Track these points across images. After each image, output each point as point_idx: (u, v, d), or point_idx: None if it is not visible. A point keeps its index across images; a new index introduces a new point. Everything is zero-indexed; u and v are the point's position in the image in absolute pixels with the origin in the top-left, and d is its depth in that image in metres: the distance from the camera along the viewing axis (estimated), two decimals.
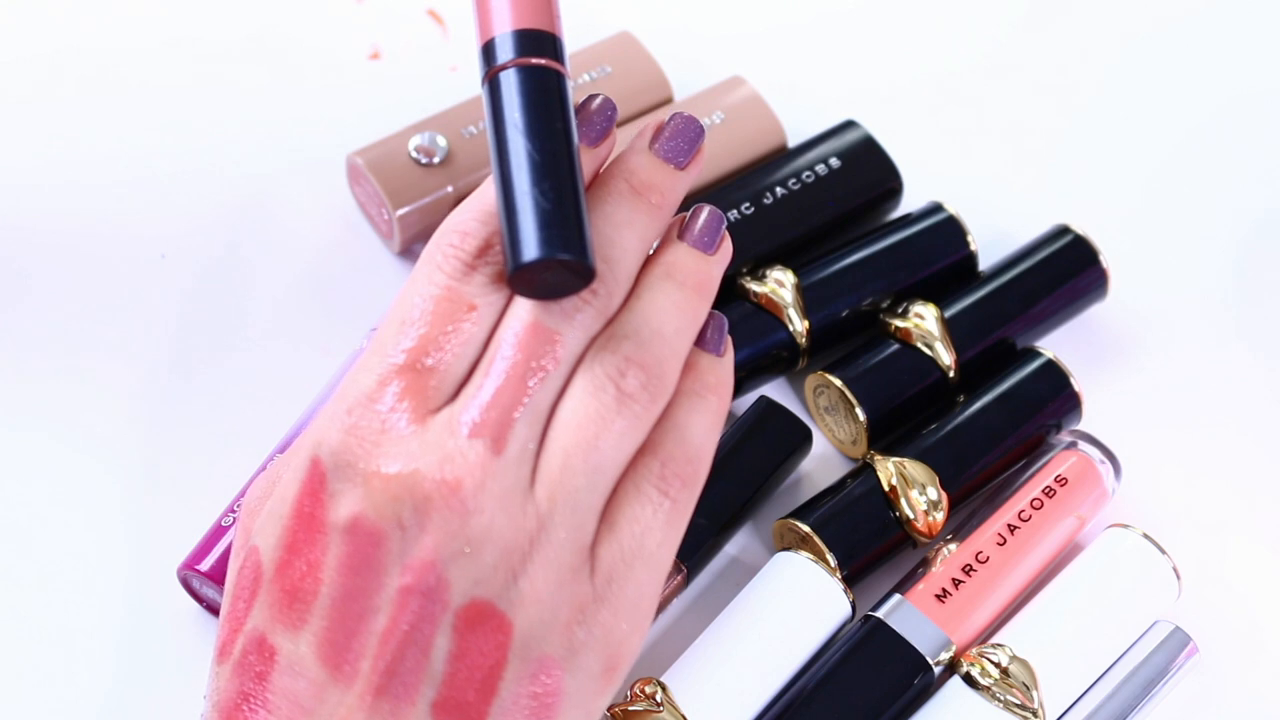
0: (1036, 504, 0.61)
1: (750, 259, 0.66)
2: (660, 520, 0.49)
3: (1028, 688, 0.58)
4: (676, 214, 0.53)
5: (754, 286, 0.65)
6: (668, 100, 0.71)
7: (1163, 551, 0.61)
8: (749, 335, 0.64)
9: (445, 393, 0.49)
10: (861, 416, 0.63)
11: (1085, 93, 0.75)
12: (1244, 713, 0.61)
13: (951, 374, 0.65)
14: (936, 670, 0.59)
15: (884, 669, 0.59)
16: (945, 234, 0.67)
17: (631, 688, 0.58)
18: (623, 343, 0.49)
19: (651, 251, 0.52)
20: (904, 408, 0.64)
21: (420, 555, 0.47)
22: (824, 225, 0.68)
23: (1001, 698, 0.58)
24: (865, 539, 0.62)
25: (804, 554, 0.60)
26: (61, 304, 0.66)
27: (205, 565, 0.59)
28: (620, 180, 0.51)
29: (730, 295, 0.65)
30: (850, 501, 0.62)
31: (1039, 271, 0.66)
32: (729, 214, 0.66)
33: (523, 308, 0.49)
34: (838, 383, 0.64)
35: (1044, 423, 0.64)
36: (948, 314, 0.65)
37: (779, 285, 0.65)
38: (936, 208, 0.67)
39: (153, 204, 0.69)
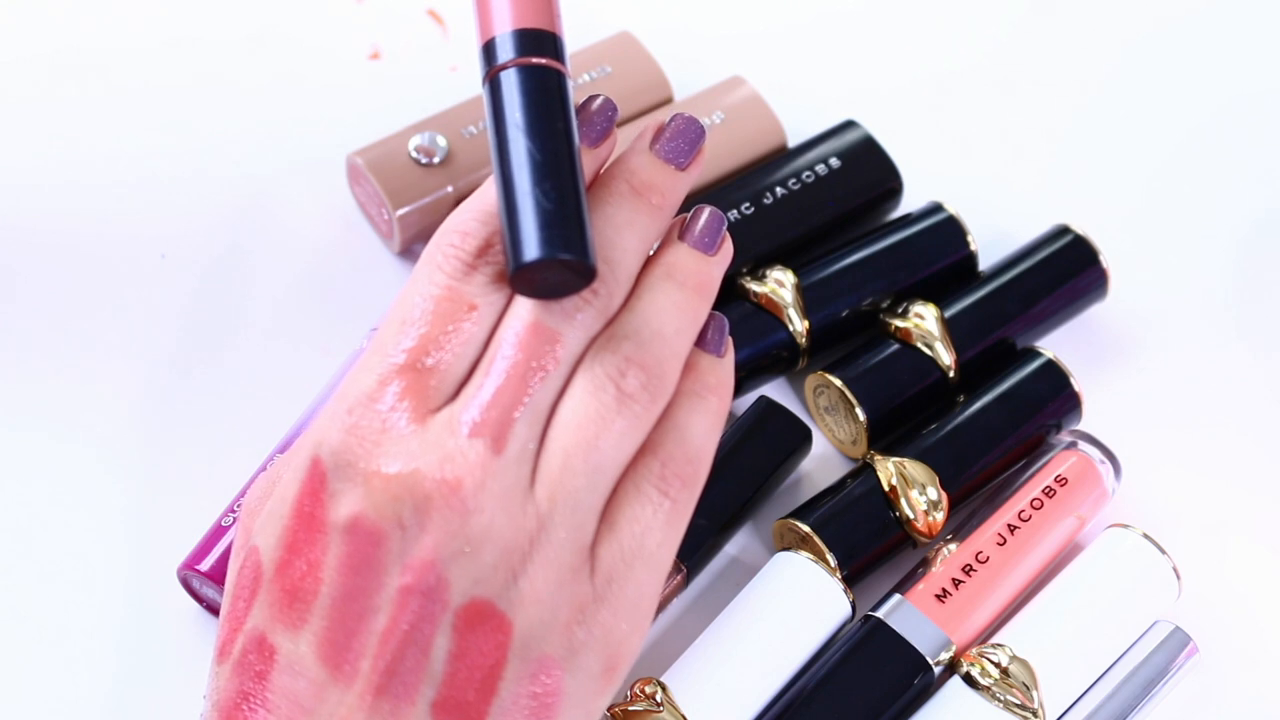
0: (1036, 504, 0.61)
1: (750, 259, 0.66)
2: (660, 520, 0.49)
3: (1028, 688, 0.58)
4: (677, 215, 0.53)
5: (754, 286, 0.65)
6: (668, 100, 0.71)
7: (1163, 551, 0.61)
8: (749, 335, 0.64)
9: (445, 392, 0.49)
10: (861, 416, 0.63)
11: (1085, 93, 0.75)
12: (1244, 713, 0.61)
13: (951, 374, 0.65)
14: (936, 670, 0.59)
15: (884, 669, 0.59)
16: (945, 234, 0.67)
17: (631, 688, 0.58)
18: (623, 343, 0.49)
19: (652, 252, 0.52)
20: (904, 408, 0.64)
21: (420, 555, 0.47)
22: (824, 225, 0.68)
23: (1001, 698, 0.58)
24: (865, 539, 0.62)
25: (804, 554, 0.60)
26: (62, 304, 0.66)
27: (205, 565, 0.59)
28: (621, 181, 0.51)
29: (730, 295, 0.65)
30: (850, 501, 0.62)
31: (1039, 271, 0.66)
32: (729, 214, 0.66)
33: (523, 307, 0.49)
34: (838, 383, 0.64)
35: (1044, 423, 0.64)
36: (948, 314, 0.65)
37: (779, 285, 0.65)
38: (936, 208, 0.67)
39: (153, 204, 0.69)
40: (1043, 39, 0.76)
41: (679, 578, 0.61)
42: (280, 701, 0.48)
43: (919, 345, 0.65)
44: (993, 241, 0.69)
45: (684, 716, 0.57)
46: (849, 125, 0.69)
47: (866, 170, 0.69)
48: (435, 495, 0.47)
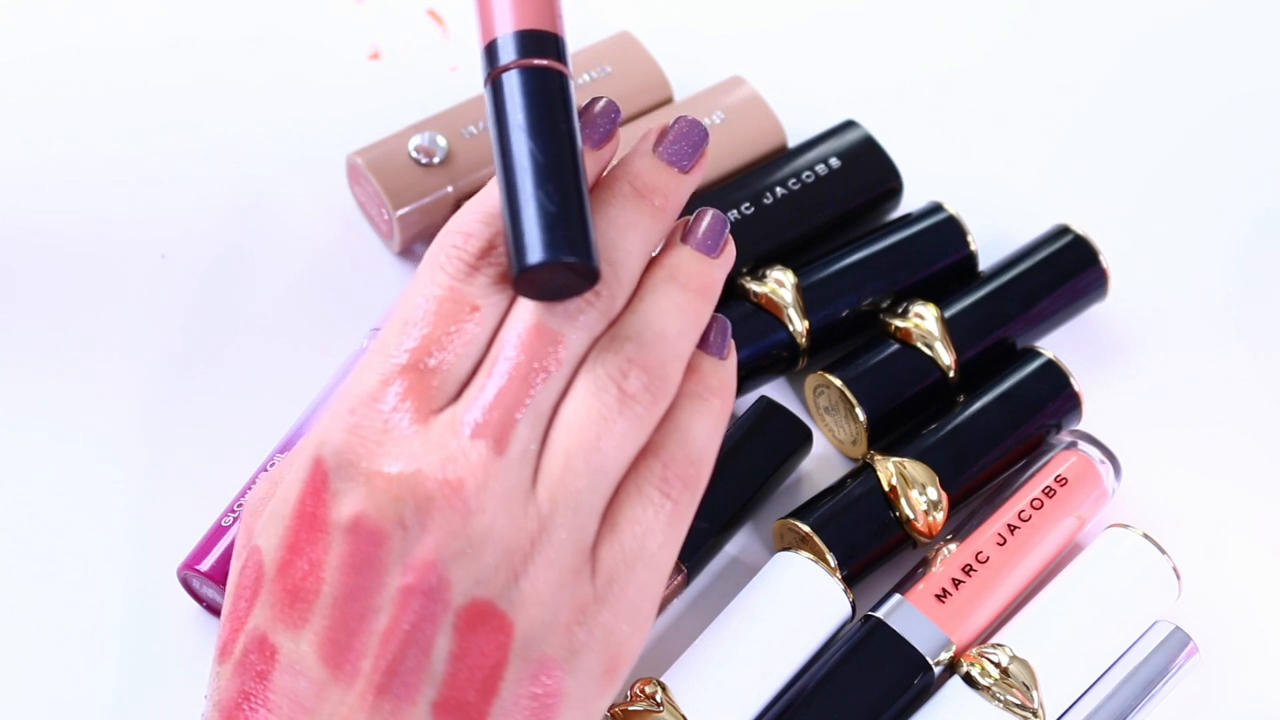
0: (1036, 504, 0.62)
1: (750, 259, 0.66)
2: (662, 522, 0.49)
3: (1028, 688, 0.58)
4: (680, 217, 0.53)
5: (754, 286, 0.65)
6: (668, 100, 0.71)
7: (1163, 551, 0.61)
8: (749, 335, 0.64)
9: (448, 393, 0.49)
10: (861, 416, 0.63)
11: (1085, 93, 0.75)
12: (1244, 713, 0.61)
13: (951, 374, 0.65)
14: (936, 670, 0.59)
15: (884, 669, 0.59)
16: (945, 234, 0.67)
17: (631, 688, 0.58)
18: (625, 344, 0.49)
19: (655, 254, 0.52)
20: (904, 408, 0.64)
21: (422, 555, 0.47)
22: (824, 225, 0.68)
23: (1001, 698, 0.58)
24: (865, 539, 0.62)
25: (804, 554, 0.60)
26: (61, 304, 0.66)
27: (205, 565, 0.59)
28: (624, 183, 0.51)
29: (730, 295, 0.65)
30: (850, 501, 0.62)
31: (1039, 271, 0.66)
32: (729, 214, 0.66)
33: (525, 309, 0.49)
34: (838, 383, 0.64)
35: (1044, 423, 0.64)
36: (948, 314, 0.65)
37: (779, 285, 0.65)
38: (936, 208, 0.67)
39: (153, 204, 0.69)
40: (1043, 39, 0.76)
41: (679, 578, 0.61)
42: (281, 701, 0.48)
43: (919, 345, 0.65)
44: (993, 241, 0.69)
45: (684, 716, 0.57)
46: (849, 125, 0.69)
47: (866, 170, 0.69)
48: (437, 495, 0.47)
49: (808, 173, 0.68)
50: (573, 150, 0.49)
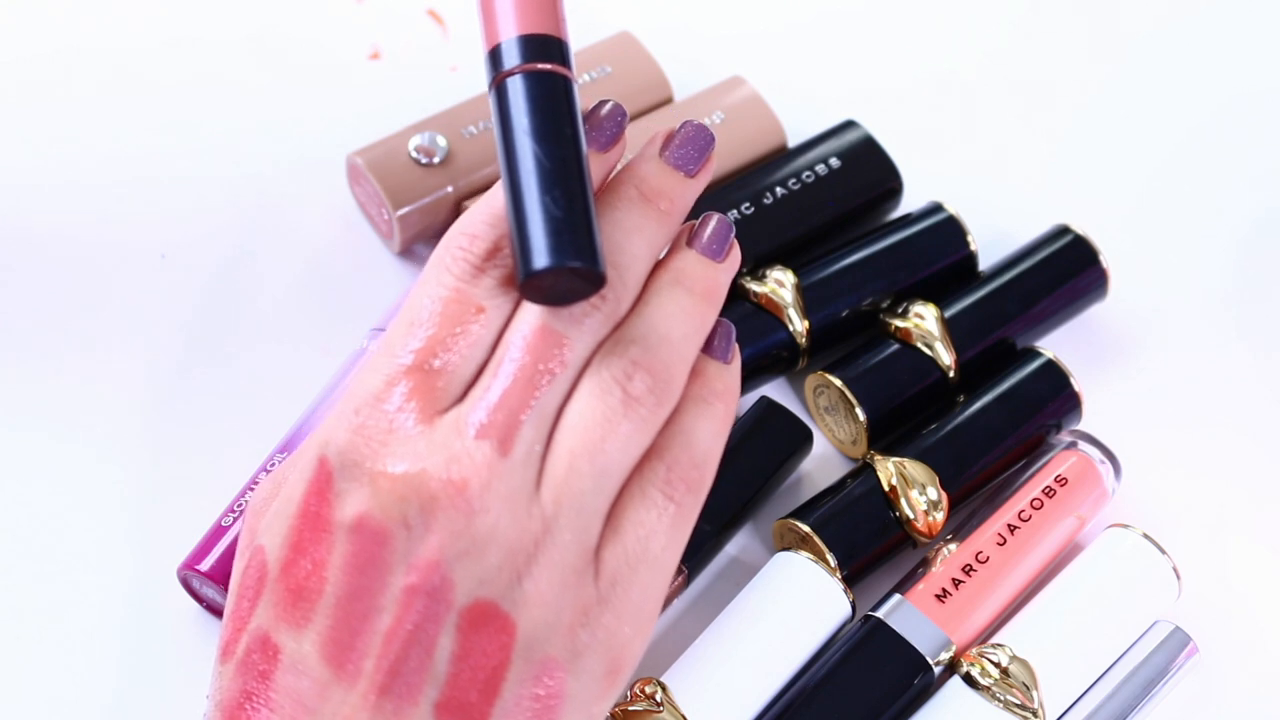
0: (1036, 504, 0.62)
1: (750, 259, 0.66)
2: (665, 524, 0.49)
3: (1028, 688, 0.58)
4: (685, 221, 0.53)
5: (754, 286, 0.65)
6: (668, 100, 0.71)
7: (1163, 551, 0.61)
8: (749, 335, 0.64)
9: (453, 394, 0.49)
10: (861, 416, 0.63)
11: (1085, 92, 0.75)
12: (1244, 713, 0.61)
13: (951, 374, 0.65)
14: (936, 670, 0.59)
15: (884, 669, 0.59)
16: (945, 234, 0.67)
17: (631, 688, 0.58)
18: (630, 347, 0.49)
19: (660, 258, 0.52)
20: (904, 408, 0.64)
21: (425, 555, 0.47)
22: (824, 225, 0.68)
23: (1001, 698, 0.58)
24: (865, 539, 0.62)
25: (804, 554, 0.60)
26: (61, 304, 0.66)
27: (205, 565, 0.59)
28: (630, 187, 0.51)
29: (730, 295, 0.65)
30: (850, 501, 0.62)
31: (1039, 271, 0.66)
32: (729, 214, 0.66)
33: (531, 311, 0.49)
34: (838, 383, 0.64)
35: (1044, 423, 0.64)
36: (948, 314, 0.65)
37: (779, 285, 0.65)
38: (936, 208, 0.67)
39: (152, 204, 0.69)
40: (1043, 39, 0.76)
41: (680, 579, 0.61)
42: (283, 701, 0.48)
43: (919, 345, 0.65)
44: (993, 241, 0.69)
45: (684, 716, 0.57)
46: (849, 125, 0.69)
47: (866, 170, 0.69)
48: (441, 496, 0.47)
49: (808, 173, 0.68)
50: (577, 155, 0.49)
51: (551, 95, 0.49)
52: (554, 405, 0.49)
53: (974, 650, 0.59)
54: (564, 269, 0.47)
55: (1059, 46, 0.76)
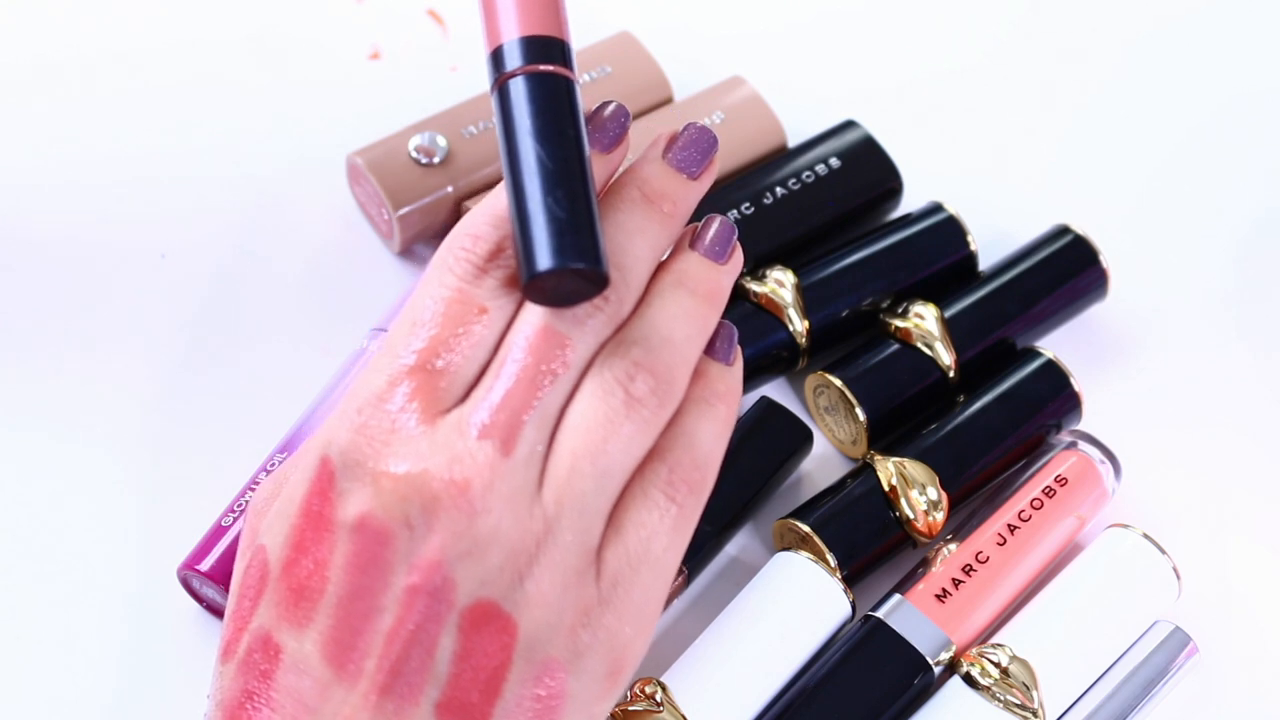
0: (1036, 504, 0.62)
1: (750, 259, 0.66)
2: (666, 526, 0.49)
3: (1028, 688, 0.58)
4: (689, 223, 0.53)
5: (754, 286, 0.65)
6: (668, 100, 0.71)
7: (1163, 551, 0.61)
8: (749, 335, 0.64)
9: (455, 394, 0.49)
10: (861, 416, 0.63)
11: (1085, 92, 0.75)
12: (1244, 713, 0.61)
13: (951, 374, 0.65)
14: (936, 670, 0.59)
15: (884, 669, 0.59)
16: (945, 234, 0.67)
17: (631, 688, 0.58)
18: (632, 348, 0.49)
19: (663, 260, 0.52)
20: (904, 408, 0.64)
21: (427, 555, 0.47)
22: (824, 225, 0.68)
23: (1001, 698, 0.58)
24: (865, 539, 0.62)
25: (804, 554, 0.60)
26: (61, 304, 0.66)
27: (205, 565, 0.59)
28: (633, 188, 0.51)
29: (730, 295, 0.65)
30: (850, 501, 0.62)
31: (1039, 271, 0.66)
32: (729, 214, 0.66)
33: (533, 312, 0.49)
34: (838, 383, 0.64)
35: (1044, 423, 0.64)
36: (948, 314, 0.65)
37: (779, 285, 0.65)
38: (936, 208, 0.67)
39: (153, 204, 0.69)
40: (1043, 39, 0.76)
41: (680, 578, 0.61)
42: (285, 700, 0.48)
43: (919, 345, 0.65)
44: (993, 241, 0.69)
45: (684, 716, 0.57)
46: (849, 125, 0.69)
47: (866, 170, 0.69)
48: (443, 496, 0.47)
49: (808, 173, 0.68)
50: (580, 156, 0.49)
51: (554, 96, 0.49)
52: (556, 406, 0.49)
53: (974, 650, 0.59)
54: (567, 270, 0.47)
55: (1059, 46, 0.76)
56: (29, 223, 0.68)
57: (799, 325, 0.65)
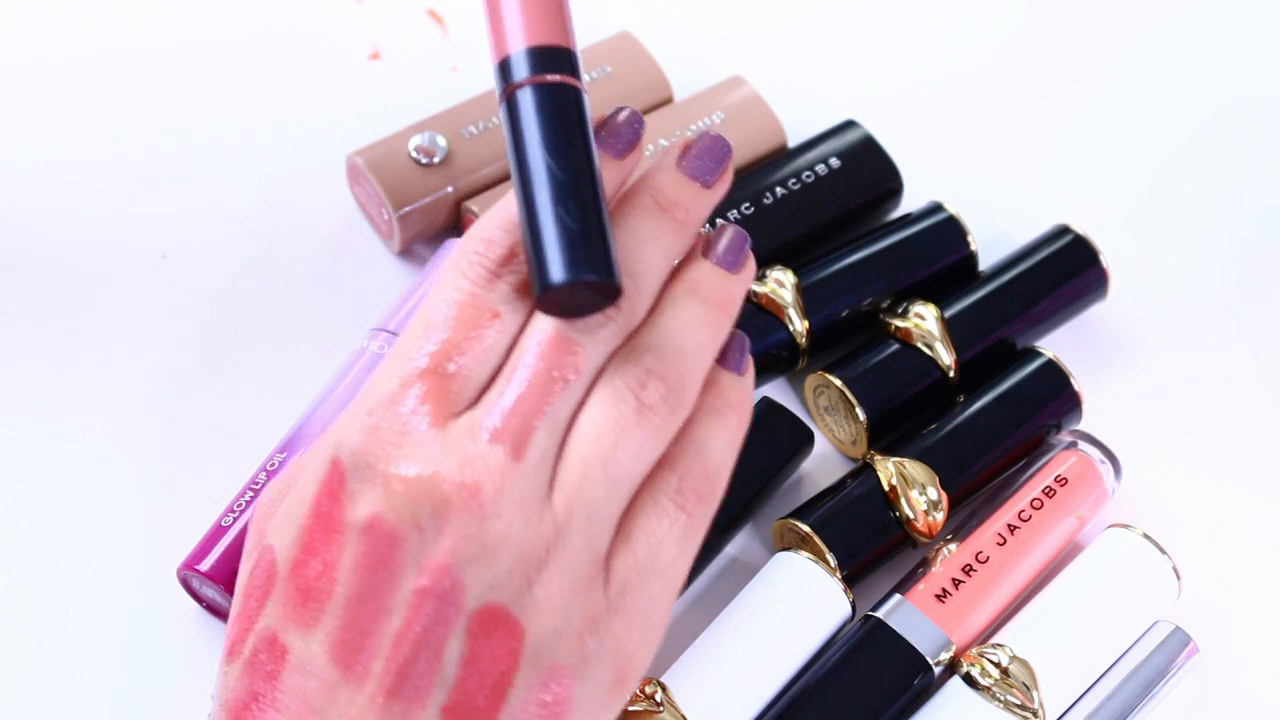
0: (1036, 504, 0.62)
1: None
2: (676, 534, 0.49)
3: (1028, 688, 0.58)
4: (702, 232, 0.53)
5: (754, 286, 0.65)
6: (668, 100, 0.71)
7: (1163, 551, 0.61)
8: (749, 335, 0.64)
9: (467, 398, 0.49)
10: (861, 416, 0.63)
11: (1085, 93, 0.75)
12: (1244, 713, 0.61)
13: (951, 374, 0.65)
14: (936, 670, 0.59)
15: (884, 669, 0.59)
16: (945, 234, 0.67)
17: None
18: (644, 355, 0.49)
19: (675, 267, 0.52)
20: (904, 408, 0.64)
21: (437, 557, 0.47)
22: (824, 225, 0.68)
23: (1001, 698, 0.58)
24: (865, 539, 0.62)
25: (804, 554, 0.60)
26: (61, 304, 0.66)
27: (205, 565, 0.59)
28: (646, 196, 0.51)
29: None
30: (850, 501, 0.62)
31: (1039, 271, 0.66)
32: (729, 214, 0.66)
33: (545, 318, 0.49)
34: (838, 383, 0.64)
35: (1044, 423, 0.64)
36: (948, 314, 0.65)
37: (779, 285, 0.65)
38: (936, 208, 0.67)
39: (153, 204, 0.69)
40: (1043, 39, 0.76)
41: None
42: (290, 701, 0.48)
43: (919, 345, 0.65)
44: (993, 241, 0.69)
45: (684, 716, 0.57)
46: (849, 125, 0.69)
47: (866, 170, 0.69)
48: (454, 499, 0.47)
49: (808, 173, 0.68)
50: (590, 166, 0.49)
51: (563, 107, 0.49)
52: (567, 412, 0.48)
53: (974, 650, 0.59)
54: (580, 283, 0.47)
55: (1059, 46, 0.76)
56: (29, 223, 0.68)
57: (799, 325, 0.65)
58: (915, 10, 0.77)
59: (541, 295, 0.48)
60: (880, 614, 0.60)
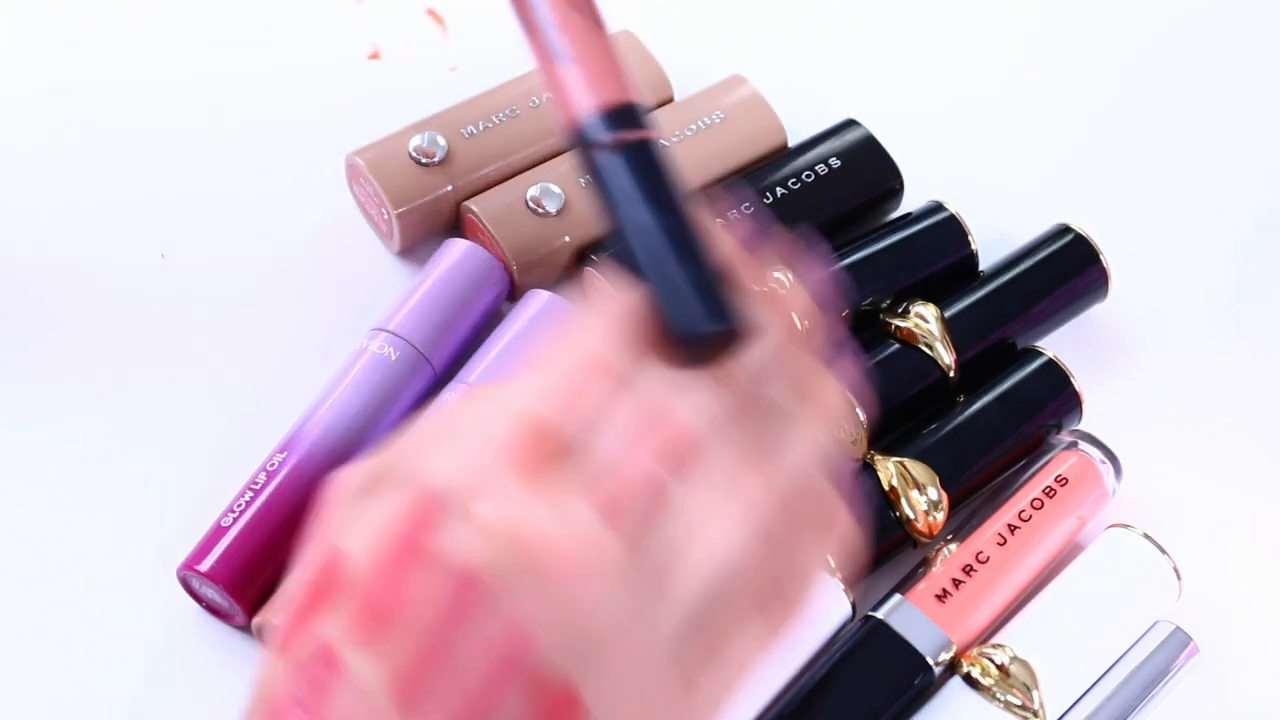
0: (1037, 504, 0.61)
1: None
2: (757, 647, 0.48)
3: (1028, 688, 0.58)
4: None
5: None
6: (668, 100, 0.71)
7: (1163, 551, 0.61)
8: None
9: (575, 458, 0.47)
10: (861, 416, 0.63)
11: (1086, 93, 0.75)
12: (1244, 713, 0.61)
13: (951, 374, 0.64)
14: (937, 670, 0.59)
15: (884, 669, 0.59)
16: (945, 234, 0.67)
17: None
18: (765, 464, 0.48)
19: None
20: (904, 408, 0.64)
21: (515, 614, 0.46)
22: (824, 225, 0.68)
23: (1001, 698, 0.58)
24: (865, 539, 0.61)
25: None
26: (61, 304, 0.66)
27: (205, 565, 0.59)
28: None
29: None
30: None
31: (1039, 271, 0.66)
32: (729, 214, 0.66)
33: (664, 392, 0.48)
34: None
35: (1044, 423, 0.64)
36: (948, 314, 0.65)
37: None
38: (936, 208, 0.67)
39: (152, 204, 0.69)
40: (1044, 39, 0.76)
41: None
42: (334, 718, 0.46)
43: (919, 345, 0.65)
44: (993, 241, 0.69)
45: None
46: (849, 124, 0.69)
47: (867, 170, 0.69)
48: (546, 559, 0.45)
49: (808, 172, 0.68)
50: (690, 215, 0.48)
51: (648, 162, 0.49)
52: (675, 496, 0.47)
53: (974, 650, 0.59)
54: (713, 334, 0.47)
55: (1060, 47, 0.76)
56: (28, 223, 0.68)
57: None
58: (916, 10, 0.77)
59: (675, 347, 0.47)
60: (880, 614, 0.60)
